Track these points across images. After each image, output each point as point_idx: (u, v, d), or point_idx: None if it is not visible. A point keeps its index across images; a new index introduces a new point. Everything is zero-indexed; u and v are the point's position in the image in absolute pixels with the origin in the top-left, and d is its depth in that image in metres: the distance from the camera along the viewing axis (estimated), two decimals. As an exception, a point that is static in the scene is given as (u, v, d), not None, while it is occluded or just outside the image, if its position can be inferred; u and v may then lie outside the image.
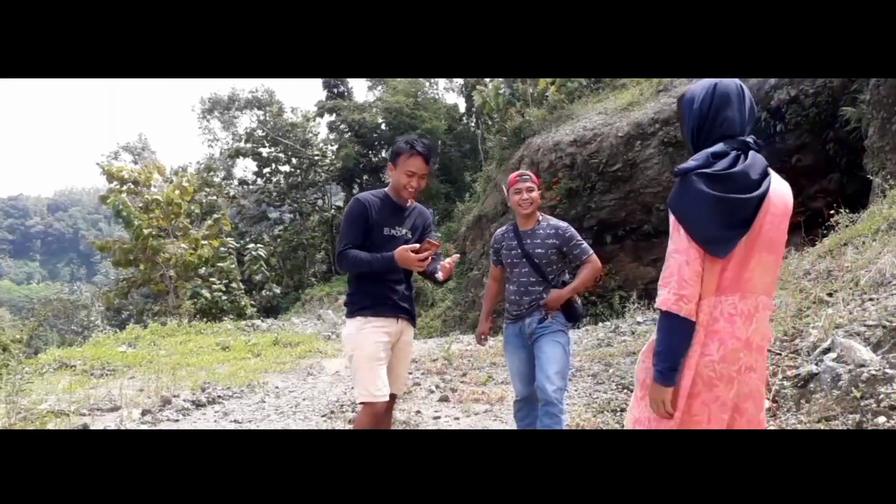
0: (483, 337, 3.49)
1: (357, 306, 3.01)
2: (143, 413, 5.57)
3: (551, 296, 3.20)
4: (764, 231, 1.81)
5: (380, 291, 2.99)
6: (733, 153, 1.79)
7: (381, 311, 2.99)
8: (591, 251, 3.29)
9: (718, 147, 1.80)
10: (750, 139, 1.84)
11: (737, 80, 1.90)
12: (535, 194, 3.26)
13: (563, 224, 3.32)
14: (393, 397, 3.17)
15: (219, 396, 6.41)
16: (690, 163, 1.78)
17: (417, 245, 2.81)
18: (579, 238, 3.29)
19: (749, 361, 1.84)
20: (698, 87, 1.92)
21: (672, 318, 1.77)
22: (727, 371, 1.81)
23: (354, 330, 2.99)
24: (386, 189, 3.12)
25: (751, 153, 1.81)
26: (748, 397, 1.87)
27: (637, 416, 1.96)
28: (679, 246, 1.77)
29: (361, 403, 2.98)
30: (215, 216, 23.03)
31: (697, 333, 1.80)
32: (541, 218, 3.35)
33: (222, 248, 21.06)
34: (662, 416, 1.85)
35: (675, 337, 1.79)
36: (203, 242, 21.05)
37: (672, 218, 1.79)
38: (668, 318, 1.77)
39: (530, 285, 3.25)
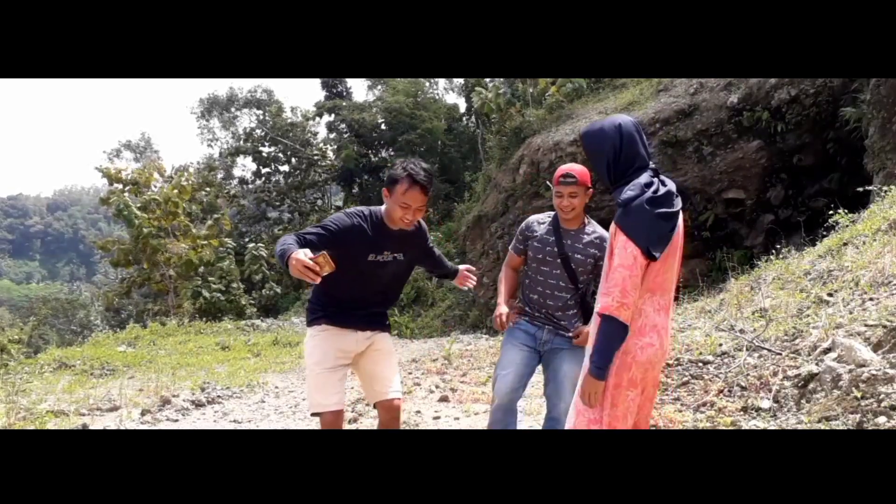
0: (506, 320, 3.00)
1: (311, 316, 2.85)
2: (143, 413, 5.57)
3: (582, 335, 2.83)
4: (675, 239, 2.20)
5: (336, 304, 2.80)
6: (655, 180, 2.19)
7: (336, 321, 2.79)
8: None
9: (644, 178, 2.18)
10: (655, 166, 2.27)
11: (631, 118, 2.30)
12: (578, 200, 2.85)
13: (608, 235, 2.99)
14: (395, 402, 2.87)
15: (218, 396, 6.41)
16: (629, 193, 2.14)
17: (310, 258, 2.37)
18: None
19: (667, 346, 2.27)
20: (602, 127, 2.27)
21: (613, 322, 2.08)
22: (663, 355, 2.24)
23: (308, 337, 2.85)
24: (382, 210, 2.80)
25: (662, 177, 2.22)
26: (659, 373, 2.39)
27: (593, 416, 2.22)
28: (624, 262, 2.08)
29: (311, 415, 2.74)
30: (215, 216, 23.04)
31: (634, 322, 2.15)
32: (586, 220, 2.99)
33: (221, 248, 21.07)
34: (592, 406, 2.18)
35: (614, 340, 2.11)
36: (203, 242, 21.06)
37: (620, 238, 2.11)
38: (609, 322, 2.08)
39: (559, 290, 2.93)
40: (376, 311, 2.91)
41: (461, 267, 3.24)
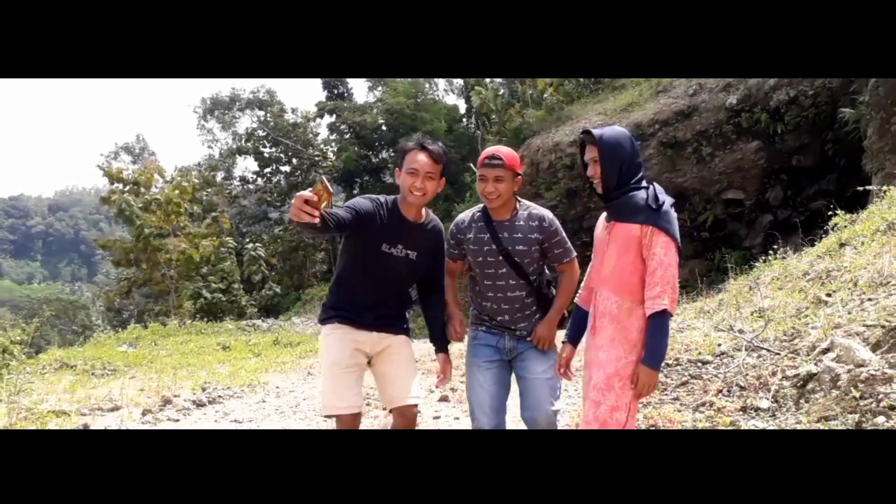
0: (459, 329, 2.80)
1: (325, 314, 2.74)
2: (144, 413, 5.57)
3: (540, 332, 2.65)
4: None
5: (353, 303, 2.69)
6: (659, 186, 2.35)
7: (349, 320, 2.67)
8: (574, 253, 2.71)
9: (658, 186, 2.33)
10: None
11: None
12: (504, 186, 2.54)
13: (546, 214, 2.68)
14: (411, 409, 2.74)
15: (219, 396, 6.41)
16: (662, 197, 2.28)
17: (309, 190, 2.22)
18: (563, 234, 2.69)
19: None
20: (615, 133, 2.37)
21: (669, 318, 2.24)
22: None
23: (322, 336, 2.74)
24: (398, 198, 2.71)
25: None
26: None
27: (615, 403, 2.31)
28: (672, 261, 2.24)
29: (325, 417, 2.61)
30: (213, 214, 23.02)
31: None
32: (518, 206, 2.67)
33: (222, 249, 21.06)
34: (645, 396, 2.32)
35: (668, 333, 2.27)
36: (205, 243, 21.05)
37: (661, 238, 2.23)
38: (667, 317, 2.23)
39: (510, 290, 2.65)
40: (389, 314, 2.76)
41: (443, 357, 2.84)
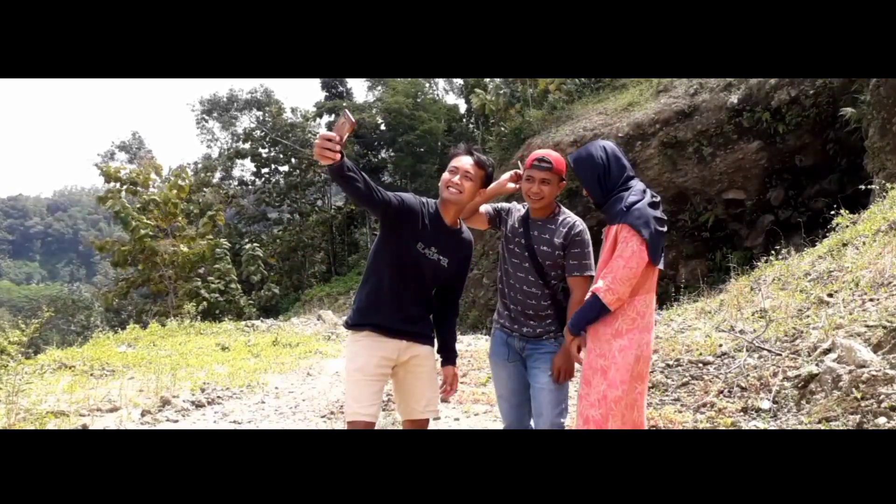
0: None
1: (355, 320, 2.72)
2: (143, 413, 5.56)
3: (557, 363, 2.64)
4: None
5: (381, 310, 2.67)
6: (644, 186, 2.48)
7: (380, 329, 2.66)
8: (590, 269, 2.66)
9: (640, 185, 2.47)
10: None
11: (611, 143, 2.59)
12: (549, 189, 2.65)
13: (579, 224, 2.71)
14: (425, 423, 2.80)
15: (218, 397, 6.40)
16: (633, 198, 2.39)
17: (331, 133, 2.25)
18: (586, 248, 2.68)
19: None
20: (588, 149, 2.53)
21: (599, 302, 2.37)
22: (651, 350, 2.54)
23: (350, 341, 2.75)
24: (438, 201, 2.75)
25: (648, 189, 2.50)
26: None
27: (592, 399, 2.43)
28: (628, 254, 2.33)
29: (347, 423, 2.62)
30: (209, 213, 22.98)
31: (636, 321, 2.42)
32: (557, 210, 2.77)
33: (218, 249, 20.99)
34: (576, 360, 2.55)
35: (594, 315, 2.42)
36: (201, 242, 21.01)
37: (624, 233, 2.36)
38: (597, 301, 2.38)
39: (527, 285, 2.72)
40: (416, 316, 2.74)
41: (450, 370, 2.88)
